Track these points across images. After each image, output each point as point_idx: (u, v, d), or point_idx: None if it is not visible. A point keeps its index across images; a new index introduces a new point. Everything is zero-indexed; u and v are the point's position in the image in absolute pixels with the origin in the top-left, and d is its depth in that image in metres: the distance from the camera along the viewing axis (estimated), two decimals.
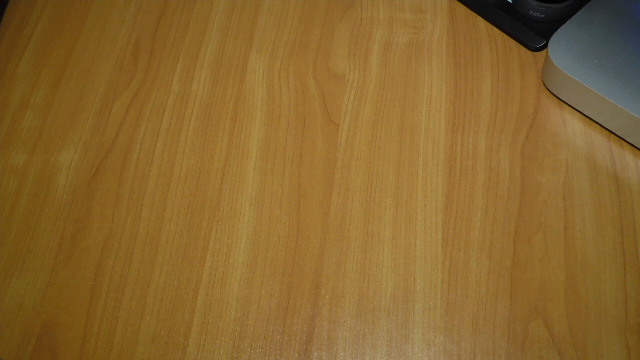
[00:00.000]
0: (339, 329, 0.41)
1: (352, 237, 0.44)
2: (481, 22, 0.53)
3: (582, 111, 0.48)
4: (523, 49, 0.52)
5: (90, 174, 0.48)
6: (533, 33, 0.52)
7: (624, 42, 0.47)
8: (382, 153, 0.47)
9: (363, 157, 0.47)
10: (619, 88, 0.45)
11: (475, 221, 0.44)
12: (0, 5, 0.56)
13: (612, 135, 0.47)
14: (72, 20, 0.56)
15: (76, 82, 0.52)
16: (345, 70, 0.51)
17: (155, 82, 0.52)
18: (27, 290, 0.43)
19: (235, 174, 0.47)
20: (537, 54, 0.51)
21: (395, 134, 0.48)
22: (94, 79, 0.52)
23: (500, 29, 0.53)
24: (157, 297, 0.43)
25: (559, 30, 0.48)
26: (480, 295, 0.42)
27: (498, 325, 0.41)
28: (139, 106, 0.51)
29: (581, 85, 0.46)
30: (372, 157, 0.47)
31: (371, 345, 0.41)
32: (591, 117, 0.47)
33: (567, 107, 0.49)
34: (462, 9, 0.54)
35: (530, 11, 0.52)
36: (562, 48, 0.47)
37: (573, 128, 0.48)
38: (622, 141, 0.47)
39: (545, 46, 0.51)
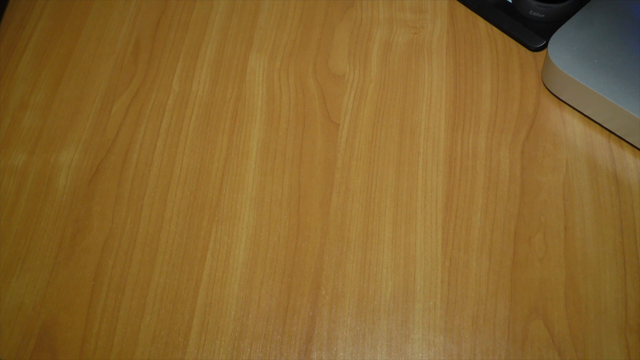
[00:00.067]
0: (339, 329, 0.41)
1: (352, 237, 0.44)
2: (481, 22, 0.53)
3: (582, 111, 0.48)
4: (523, 49, 0.52)
5: (90, 174, 0.48)
6: (533, 33, 0.52)
7: (624, 42, 0.47)
8: (382, 153, 0.47)
9: (363, 157, 0.47)
10: (619, 88, 0.45)
11: (475, 221, 0.44)
12: (0, 5, 0.56)
13: (612, 135, 0.47)
14: (72, 20, 0.56)
15: (76, 82, 0.52)
16: (345, 70, 0.51)
17: (155, 82, 0.52)
18: (27, 290, 0.43)
19: (235, 174, 0.47)
20: (537, 54, 0.51)
21: (395, 134, 0.48)
22: (94, 79, 0.52)
23: (500, 29, 0.53)
24: (157, 297, 0.43)
25: (559, 30, 0.48)
26: (480, 295, 0.42)
27: (498, 325, 0.41)
28: (139, 106, 0.51)
29: (581, 85, 0.46)
30: (372, 157, 0.47)
31: (371, 345, 0.41)
32: (591, 117, 0.47)
33: (567, 107, 0.49)
34: (462, 9, 0.54)
35: (530, 11, 0.52)
36: (562, 48, 0.47)
37: (573, 128, 0.48)
38: (622, 141, 0.47)
39: (545, 46, 0.51)
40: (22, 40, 0.55)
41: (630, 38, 0.47)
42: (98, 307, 0.43)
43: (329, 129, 0.49)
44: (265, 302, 0.42)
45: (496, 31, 0.53)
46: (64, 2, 0.57)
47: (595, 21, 0.48)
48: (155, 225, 0.45)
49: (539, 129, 0.48)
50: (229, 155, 0.48)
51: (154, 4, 0.56)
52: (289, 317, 0.42)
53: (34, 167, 0.48)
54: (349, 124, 0.49)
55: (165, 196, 0.46)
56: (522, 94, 0.50)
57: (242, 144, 0.48)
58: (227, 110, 0.50)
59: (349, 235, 0.44)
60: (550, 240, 0.43)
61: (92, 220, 0.46)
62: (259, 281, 0.43)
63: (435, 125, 0.48)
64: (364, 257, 0.44)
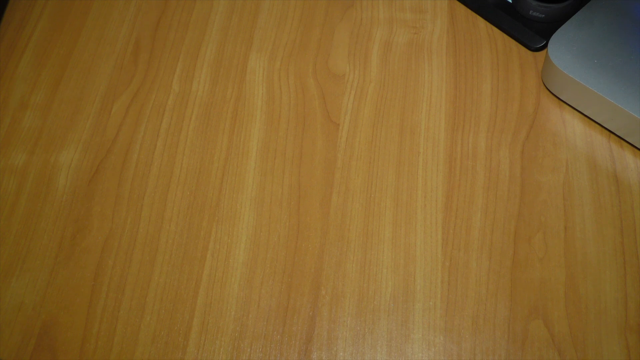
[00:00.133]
0: (339, 329, 0.41)
1: (352, 237, 0.44)
2: (481, 22, 0.53)
3: (582, 111, 0.48)
4: (523, 49, 0.52)
5: (90, 174, 0.48)
6: (533, 33, 0.51)
7: (624, 42, 0.47)
8: (382, 153, 0.47)
9: (363, 157, 0.47)
10: (619, 88, 0.45)
11: (475, 221, 0.44)
12: (0, 5, 0.56)
13: (612, 135, 0.47)
14: (72, 20, 0.56)
15: (76, 82, 0.52)
16: (345, 70, 0.51)
17: (155, 82, 0.52)
18: (27, 290, 0.43)
19: (235, 174, 0.47)
20: (537, 54, 0.51)
21: (395, 134, 0.48)
22: (94, 79, 0.52)
23: (500, 29, 0.53)
24: (157, 297, 0.43)
25: (559, 30, 0.48)
26: (480, 295, 0.42)
27: (498, 325, 0.41)
28: (139, 106, 0.51)
29: (581, 85, 0.46)
30: (372, 157, 0.47)
31: (371, 345, 0.41)
32: (591, 117, 0.47)
33: (567, 107, 0.49)
34: (462, 9, 0.54)
35: (530, 11, 0.52)
36: (562, 48, 0.47)
37: (573, 128, 0.48)
38: (622, 141, 0.47)
39: (545, 46, 0.51)
40: (22, 40, 0.55)
41: (630, 38, 0.47)
42: (98, 307, 0.43)
43: (329, 129, 0.49)
44: (265, 302, 0.42)
45: (496, 31, 0.53)
46: (64, 2, 0.57)
47: (595, 21, 0.48)
48: (155, 225, 0.45)
49: (539, 129, 0.48)
50: (229, 155, 0.48)
51: (154, 4, 0.56)
52: (289, 317, 0.42)
53: (34, 167, 0.48)
54: (349, 124, 0.49)
55: (165, 196, 0.46)
56: (522, 94, 0.50)
57: (242, 144, 0.48)
58: (227, 110, 0.50)
59: (349, 235, 0.44)
60: (550, 240, 0.43)
61: (92, 220, 0.46)
62: (259, 281, 0.43)
63: (435, 125, 0.48)
64: (364, 257, 0.44)
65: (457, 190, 0.46)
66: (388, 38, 0.53)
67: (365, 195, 0.46)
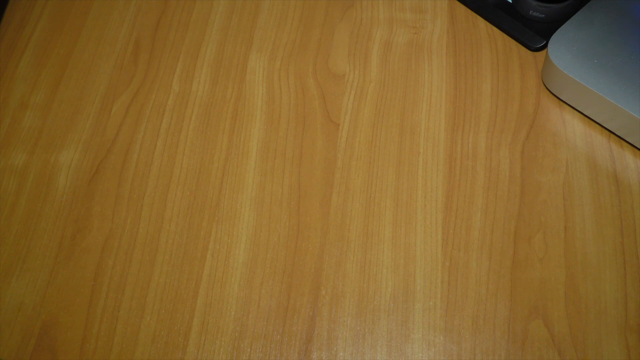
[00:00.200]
0: (339, 329, 0.41)
1: (352, 237, 0.44)
2: (481, 22, 0.53)
3: (582, 111, 0.48)
4: (523, 49, 0.52)
5: (90, 174, 0.48)
6: (533, 33, 0.52)
7: (624, 42, 0.47)
8: (382, 153, 0.47)
9: (363, 157, 0.47)
10: (619, 88, 0.45)
11: (475, 221, 0.44)
12: (0, 5, 0.56)
13: (612, 135, 0.47)
14: (72, 20, 0.56)
15: (76, 82, 0.52)
16: (345, 70, 0.51)
17: (155, 82, 0.52)
18: (27, 290, 0.43)
19: (235, 174, 0.47)
20: (537, 54, 0.51)
21: (395, 134, 0.48)
22: (94, 79, 0.52)
23: (500, 29, 0.53)
24: (157, 297, 0.43)
25: (559, 30, 0.48)
26: (480, 295, 0.42)
27: (498, 325, 0.41)
28: (139, 106, 0.51)
29: (581, 85, 0.46)
30: (372, 157, 0.47)
31: (371, 345, 0.41)
32: (591, 117, 0.47)
33: (567, 107, 0.49)
34: (462, 9, 0.54)
35: (530, 11, 0.52)
36: (562, 48, 0.47)
37: (573, 128, 0.48)
38: (622, 141, 0.47)
39: (545, 46, 0.51)
40: (22, 40, 0.55)
41: (630, 38, 0.47)
42: (98, 307, 0.43)
43: (329, 129, 0.49)
44: (265, 302, 0.42)
45: (496, 31, 0.53)
46: (64, 2, 0.57)
47: (595, 21, 0.48)
48: (155, 225, 0.45)
49: (539, 129, 0.48)
50: (229, 155, 0.48)
51: (154, 4, 0.56)
52: (289, 317, 0.42)
53: (34, 167, 0.48)
54: (349, 124, 0.49)
55: (165, 196, 0.46)
56: (522, 94, 0.50)
57: (242, 144, 0.48)
58: (227, 110, 0.50)
59: (349, 235, 0.44)
60: (550, 240, 0.43)
61: (92, 220, 0.46)
62: (259, 281, 0.43)
63: (435, 125, 0.48)
64: (364, 257, 0.44)
65: (457, 190, 0.46)
66: (388, 38, 0.53)
67: (365, 195, 0.46)
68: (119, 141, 0.49)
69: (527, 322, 0.41)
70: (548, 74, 0.48)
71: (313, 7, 0.55)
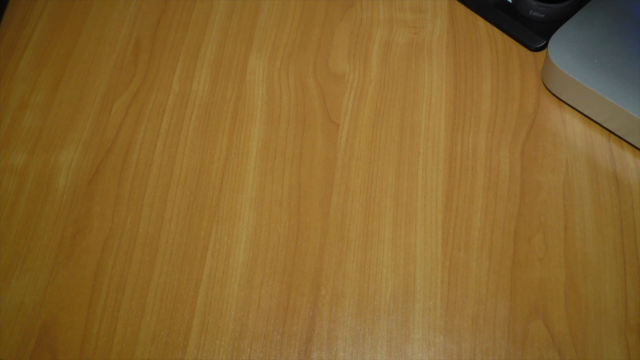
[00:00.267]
0: (339, 329, 0.41)
1: (352, 237, 0.44)
2: (481, 22, 0.53)
3: (582, 111, 0.48)
4: (523, 49, 0.52)
5: (90, 174, 0.48)
6: (533, 33, 0.52)
7: (624, 42, 0.47)
8: (382, 153, 0.47)
9: (363, 157, 0.47)
10: (619, 88, 0.45)
11: (475, 221, 0.44)
12: (0, 5, 0.56)
13: (612, 135, 0.47)
14: (72, 20, 0.56)
15: (76, 82, 0.52)
16: (345, 70, 0.51)
17: (155, 82, 0.52)
18: (27, 290, 0.43)
19: (235, 174, 0.47)
20: (537, 54, 0.51)
21: (395, 134, 0.48)
22: (94, 79, 0.52)
23: (500, 29, 0.53)
24: (157, 297, 0.43)
25: (559, 30, 0.48)
26: (480, 295, 0.42)
27: (498, 325, 0.41)
28: (139, 106, 0.51)
29: (581, 85, 0.46)
30: (372, 157, 0.47)
31: (371, 345, 0.41)
32: (591, 117, 0.47)
33: (567, 107, 0.49)
34: (462, 9, 0.54)
35: (530, 11, 0.52)
36: (562, 48, 0.47)
37: (573, 128, 0.48)
38: (622, 141, 0.47)
39: (545, 46, 0.51)
40: (22, 40, 0.55)
41: (630, 38, 0.47)
42: (98, 307, 0.43)
43: (329, 129, 0.49)
44: (265, 302, 0.42)
45: (496, 31, 0.53)
46: (64, 2, 0.57)
47: (595, 21, 0.48)
48: (155, 225, 0.45)
49: (539, 129, 0.48)
50: (229, 155, 0.48)
51: (154, 4, 0.56)
52: (289, 317, 0.42)
53: (34, 167, 0.48)
54: (349, 124, 0.49)
55: (165, 196, 0.46)
56: (522, 94, 0.50)
57: (242, 144, 0.48)
58: (227, 110, 0.50)
59: (349, 235, 0.44)
60: (550, 240, 0.43)
61: (92, 220, 0.46)
62: (259, 281, 0.43)
63: (435, 125, 0.48)
64: (364, 257, 0.44)
65: (457, 190, 0.46)
66: (388, 38, 0.53)
67: (365, 195, 0.46)
68: (119, 141, 0.49)
69: (527, 322, 0.41)
70: (548, 74, 0.48)
71: (313, 7, 0.55)
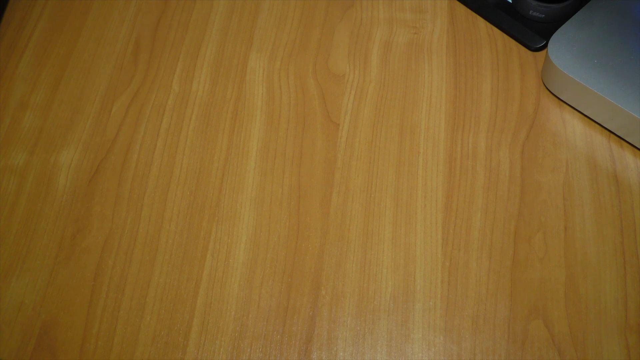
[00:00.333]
0: (339, 329, 0.41)
1: (352, 237, 0.44)
2: (481, 22, 0.53)
3: (582, 111, 0.48)
4: (523, 49, 0.52)
5: (90, 174, 0.48)
6: (533, 33, 0.52)
7: (624, 42, 0.47)
8: (382, 153, 0.47)
9: (363, 157, 0.47)
10: (619, 88, 0.45)
11: (475, 221, 0.44)
12: (0, 5, 0.56)
13: (612, 135, 0.47)
14: (72, 20, 0.56)
15: (76, 82, 0.52)
16: (345, 70, 0.51)
17: (155, 82, 0.52)
18: (27, 290, 0.43)
19: (235, 174, 0.47)
20: (537, 54, 0.51)
21: (395, 134, 0.48)
22: (94, 79, 0.52)
23: (500, 29, 0.53)
24: (157, 297, 0.43)
25: (559, 30, 0.48)
26: (480, 295, 0.42)
27: (498, 325, 0.41)
28: (139, 106, 0.51)
29: (581, 85, 0.46)
30: (372, 157, 0.47)
31: (371, 345, 0.41)
32: (591, 117, 0.47)
33: (567, 107, 0.49)
34: (462, 9, 0.54)
35: (530, 11, 0.52)
36: (562, 48, 0.47)
37: (573, 128, 0.48)
38: (622, 141, 0.47)
39: (545, 46, 0.51)
40: (22, 40, 0.55)
41: (630, 38, 0.47)
42: (98, 307, 0.43)
43: (329, 129, 0.49)
44: (265, 302, 0.42)
45: (496, 31, 0.53)
46: (64, 2, 0.57)
47: (595, 21, 0.48)
48: (155, 225, 0.45)
49: (539, 129, 0.48)
50: (229, 155, 0.48)
51: (154, 4, 0.56)
52: (289, 317, 0.42)
53: (34, 167, 0.48)
54: (349, 124, 0.49)
55: (165, 196, 0.46)
56: (522, 94, 0.50)
57: (242, 144, 0.48)
58: (227, 110, 0.50)
59: (349, 235, 0.44)
60: (550, 240, 0.43)
61: (92, 220, 0.46)
62: (259, 281, 0.43)
63: (435, 125, 0.48)
64: (364, 257, 0.44)
65: (457, 190, 0.46)
66: (388, 38, 0.53)
67: (365, 195, 0.46)
68: (119, 141, 0.49)
69: (527, 322, 0.41)
70: (548, 74, 0.48)
71: (313, 7, 0.55)
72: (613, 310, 0.41)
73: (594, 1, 0.49)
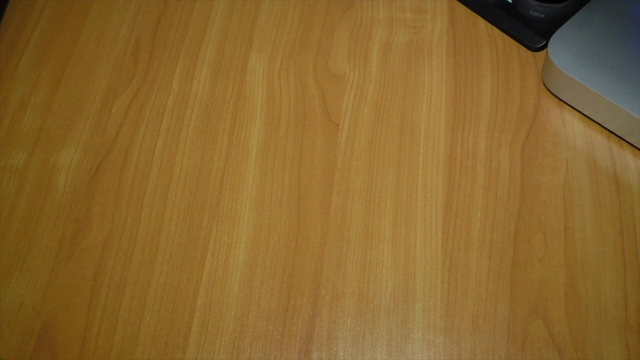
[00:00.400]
0: (339, 329, 0.41)
1: (352, 237, 0.44)
2: (481, 22, 0.53)
3: (582, 111, 0.48)
4: (523, 49, 0.52)
5: (90, 174, 0.48)
6: (533, 33, 0.52)
7: (624, 42, 0.47)
8: (382, 153, 0.47)
9: (363, 157, 0.47)
10: (619, 88, 0.45)
11: (475, 221, 0.44)
12: (0, 5, 0.56)
13: (612, 135, 0.47)
14: (72, 20, 0.56)
15: (76, 82, 0.52)
16: (345, 70, 0.51)
17: (155, 82, 0.52)
18: (27, 290, 0.43)
19: (235, 174, 0.47)
20: (537, 54, 0.51)
21: (395, 134, 0.48)
22: (94, 79, 0.52)
23: (500, 29, 0.53)
24: (157, 297, 0.43)
25: (559, 30, 0.48)
26: (480, 295, 0.42)
27: (498, 325, 0.41)
28: (139, 106, 0.51)
29: (581, 85, 0.46)
30: (372, 157, 0.47)
31: (371, 345, 0.41)
32: (591, 117, 0.47)
33: (567, 107, 0.49)
34: (462, 9, 0.54)
35: (530, 11, 0.52)
36: (562, 48, 0.47)
37: (573, 128, 0.48)
38: (622, 141, 0.47)
39: (545, 46, 0.51)
40: (22, 40, 0.55)
41: (630, 38, 0.47)
42: (98, 307, 0.43)
43: (329, 129, 0.49)
44: (265, 302, 0.42)
45: (496, 31, 0.53)
46: (64, 2, 0.57)
47: (595, 21, 0.48)
48: (155, 225, 0.45)
49: (539, 129, 0.48)
50: (229, 155, 0.48)
51: (154, 4, 0.56)
52: (289, 317, 0.42)
53: (34, 167, 0.48)
54: (349, 124, 0.49)
55: (165, 196, 0.46)
56: (522, 94, 0.50)
57: (242, 144, 0.48)
58: (227, 110, 0.50)
59: (349, 235, 0.44)
60: (550, 240, 0.43)
61: (92, 220, 0.46)
62: (259, 281, 0.43)
63: (435, 125, 0.48)
64: (364, 257, 0.44)
65: (457, 190, 0.46)
66: (388, 38, 0.53)
67: (365, 195, 0.46)
68: (119, 141, 0.49)
69: (527, 322, 0.41)
70: (548, 74, 0.48)
71: (313, 7, 0.55)
72: (613, 310, 0.41)
73: (594, 1, 0.49)
